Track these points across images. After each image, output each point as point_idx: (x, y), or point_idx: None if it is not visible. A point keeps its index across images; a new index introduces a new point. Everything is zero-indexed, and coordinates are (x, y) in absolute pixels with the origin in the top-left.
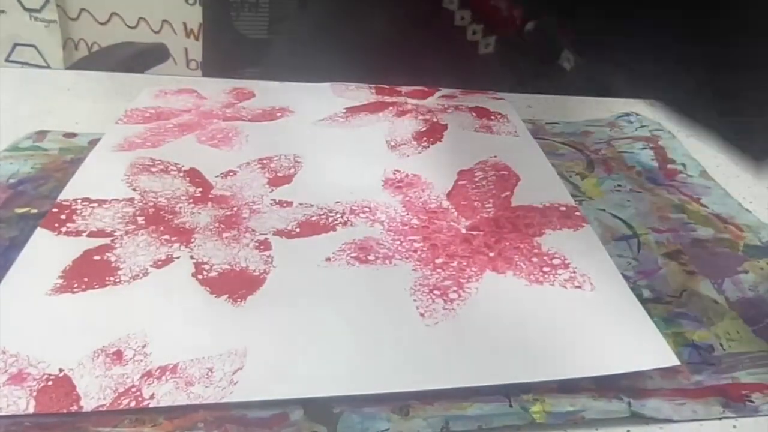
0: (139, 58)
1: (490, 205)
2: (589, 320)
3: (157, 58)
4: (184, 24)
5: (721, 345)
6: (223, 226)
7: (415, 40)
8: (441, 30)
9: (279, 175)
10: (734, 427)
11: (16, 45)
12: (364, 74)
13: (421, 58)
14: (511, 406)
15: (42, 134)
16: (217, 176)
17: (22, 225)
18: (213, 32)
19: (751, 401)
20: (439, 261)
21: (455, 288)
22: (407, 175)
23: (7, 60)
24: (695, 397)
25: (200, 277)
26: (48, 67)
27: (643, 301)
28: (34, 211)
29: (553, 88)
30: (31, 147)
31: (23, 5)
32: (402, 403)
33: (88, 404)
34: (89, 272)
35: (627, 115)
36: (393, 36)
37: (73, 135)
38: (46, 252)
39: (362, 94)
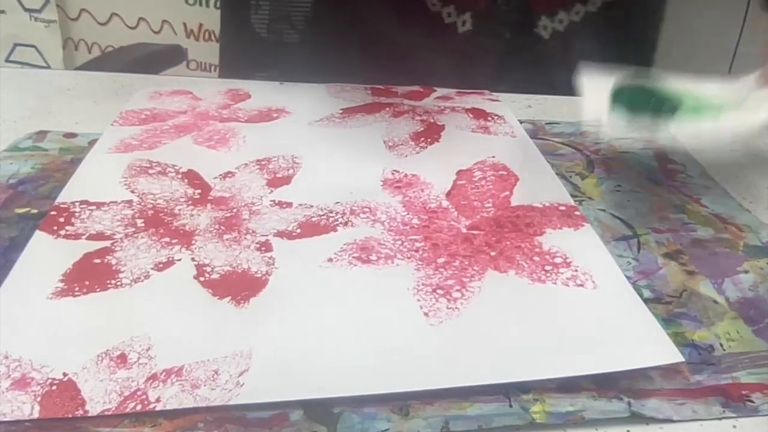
0: (154, 59)
1: (490, 204)
2: (592, 318)
3: (173, 60)
4: (184, 24)
5: (721, 345)
6: (223, 227)
7: (401, 37)
8: (420, 21)
9: (278, 176)
10: (734, 427)
11: (16, 45)
12: (358, 73)
13: (410, 53)
14: (511, 406)
15: (42, 134)
16: (216, 178)
17: (22, 225)
18: (230, 34)
19: (751, 401)
20: (441, 260)
21: (458, 287)
22: (406, 175)
23: (7, 60)
24: (695, 397)
25: (202, 279)
26: (48, 67)
27: (643, 301)
28: (34, 211)
29: (532, 59)
30: (31, 147)
31: (23, 5)
32: (402, 403)
33: (93, 408)
34: (90, 275)
35: None
36: (380, 34)
37: (73, 135)
38: (46, 255)
39: (358, 95)
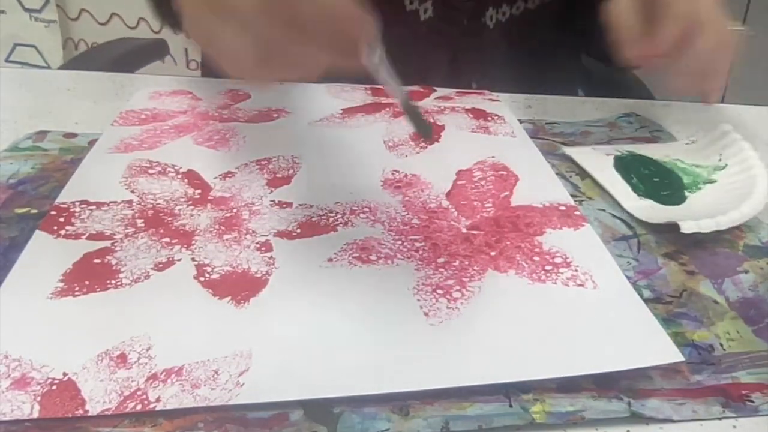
0: (138, 54)
1: (490, 204)
2: (592, 318)
3: (157, 54)
4: None
5: (721, 345)
6: (223, 227)
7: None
8: (384, 9)
9: (278, 176)
10: (734, 427)
11: (16, 45)
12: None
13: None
14: (511, 406)
15: (42, 134)
16: (216, 178)
17: (22, 225)
18: None
19: (751, 401)
20: (441, 260)
21: (458, 287)
22: (406, 175)
23: (7, 60)
24: (695, 397)
25: (202, 279)
26: (48, 67)
27: (643, 301)
28: (34, 211)
29: (479, 47)
30: (31, 147)
31: (23, 5)
32: (402, 403)
33: (93, 408)
34: (90, 275)
35: (627, 116)
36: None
37: (73, 135)
38: (46, 255)
39: (358, 95)
